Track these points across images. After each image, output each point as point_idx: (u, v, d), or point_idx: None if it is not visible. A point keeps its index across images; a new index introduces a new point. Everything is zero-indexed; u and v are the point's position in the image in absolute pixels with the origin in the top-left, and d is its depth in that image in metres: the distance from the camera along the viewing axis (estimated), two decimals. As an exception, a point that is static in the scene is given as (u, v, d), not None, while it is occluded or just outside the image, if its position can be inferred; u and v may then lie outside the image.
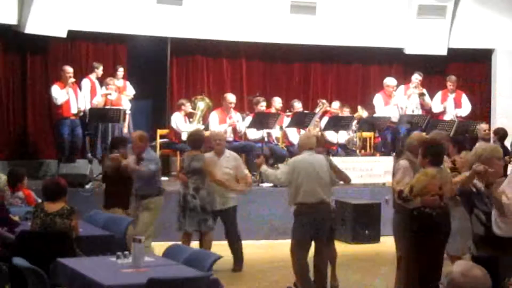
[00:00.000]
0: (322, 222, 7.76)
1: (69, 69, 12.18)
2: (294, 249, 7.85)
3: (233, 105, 12.64)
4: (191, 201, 8.83)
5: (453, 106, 13.92)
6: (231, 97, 12.69)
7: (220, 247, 9.03)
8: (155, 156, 9.37)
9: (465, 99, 14.07)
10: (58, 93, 12.03)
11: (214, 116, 12.60)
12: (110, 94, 12.38)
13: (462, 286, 3.18)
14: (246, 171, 9.46)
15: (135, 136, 9.13)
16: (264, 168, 8.15)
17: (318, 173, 7.79)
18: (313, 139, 8.27)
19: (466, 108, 14.00)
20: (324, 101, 13.70)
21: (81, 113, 12.33)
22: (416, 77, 13.77)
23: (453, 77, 14.09)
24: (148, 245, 8.34)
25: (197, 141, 9.14)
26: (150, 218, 8.96)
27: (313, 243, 7.87)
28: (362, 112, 13.78)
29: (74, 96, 12.20)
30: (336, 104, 13.70)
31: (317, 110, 13.42)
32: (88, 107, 12.45)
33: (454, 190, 6.67)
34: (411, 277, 6.96)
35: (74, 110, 12.19)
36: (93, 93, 12.62)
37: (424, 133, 8.16)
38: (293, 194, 7.83)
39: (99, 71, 12.83)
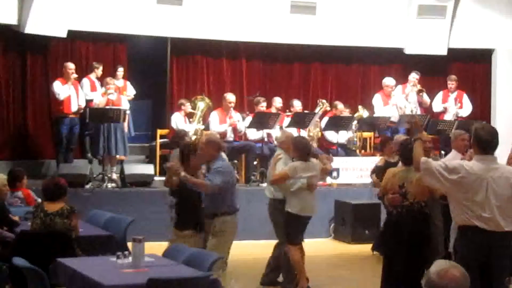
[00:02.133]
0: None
1: (70, 65, 12.21)
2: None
3: (233, 105, 12.63)
4: None
5: (454, 105, 13.90)
6: (231, 97, 12.68)
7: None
8: (225, 166, 7.52)
9: (466, 99, 14.05)
10: (60, 89, 12.04)
11: (214, 116, 12.60)
12: (112, 93, 12.39)
13: (439, 286, 3.14)
14: None
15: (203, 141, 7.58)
16: None
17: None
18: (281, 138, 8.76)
19: (467, 108, 13.98)
20: (324, 101, 13.70)
21: (81, 110, 12.33)
22: (413, 76, 13.78)
23: (453, 76, 14.09)
24: (219, 275, 6.70)
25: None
26: (216, 243, 7.26)
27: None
28: (363, 112, 13.79)
29: (75, 93, 12.22)
30: (340, 106, 13.66)
31: (317, 110, 13.43)
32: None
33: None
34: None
35: (74, 108, 12.20)
36: (93, 92, 12.64)
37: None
38: None
39: (99, 71, 12.84)
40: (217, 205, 7.19)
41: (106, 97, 12.17)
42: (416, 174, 6.76)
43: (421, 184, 6.70)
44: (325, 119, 13.19)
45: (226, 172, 7.26)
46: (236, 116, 12.67)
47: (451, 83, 13.98)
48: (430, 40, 14.67)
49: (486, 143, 5.52)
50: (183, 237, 7.01)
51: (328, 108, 13.60)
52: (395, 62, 15.14)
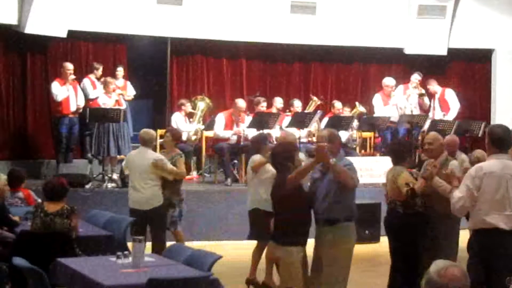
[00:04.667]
0: None
1: (69, 66, 12.21)
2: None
3: (243, 111, 12.45)
4: None
5: (439, 108, 13.57)
6: (242, 104, 12.38)
7: (220, 247, 9.04)
8: (352, 164, 6.59)
9: (451, 97, 13.67)
10: (58, 90, 12.04)
11: (220, 119, 12.31)
12: (122, 95, 12.42)
13: (439, 286, 3.13)
14: None
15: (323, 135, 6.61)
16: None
17: None
18: (292, 137, 8.41)
19: (454, 108, 13.60)
20: (314, 98, 13.71)
21: (80, 110, 12.33)
22: (416, 77, 13.70)
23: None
24: None
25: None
26: (337, 253, 6.29)
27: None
28: (359, 107, 13.79)
29: (74, 93, 12.21)
30: (337, 104, 13.65)
31: (308, 107, 13.46)
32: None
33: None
34: None
35: (73, 108, 12.20)
36: (95, 90, 12.65)
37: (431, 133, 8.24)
38: None
39: (99, 72, 12.85)
40: (339, 210, 6.29)
41: (116, 98, 12.16)
42: (389, 174, 6.93)
43: (392, 184, 6.84)
44: (325, 119, 13.18)
45: (355, 171, 6.45)
46: (243, 125, 12.31)
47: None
48: (430, 40, 14.67)
49: (502, 140, 5.60)
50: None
51: (318, 102, 13.58)
52: (395, 62, 15.15)
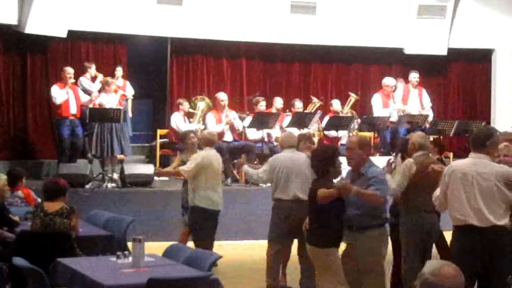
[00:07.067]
0: (296, 220, 7.45)
1: (69, 70, 12.18)
2: (268, 241, 8.04)
3: (225, 103, 12.56)
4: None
5: (418, 103, 13.59)
6: (222, 96, 12.62)
7: (220, 247, 9.04)
8: (382, 173, 6.56)
9: (425, 97, 13.74)
10: (58, 93, 12.02)
11: (210, 118, 12.51)
12: (123, 95, 12.42)
13: (438, 286, 3.13)
14: None
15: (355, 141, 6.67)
16: (246, 167, 8.31)
17: (297, 171, 7.74)
18: (294, 137, 8.38)
19: (427, 107, 13.68)
20: (315, 99, 13.70)
21: (84, 107, 12.31)
22: (414, 76, 13.71)
23: (413, 74, 13.70)
24: None
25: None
26: (376, 259, 6.29)
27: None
28: (355, 96, 13.76)
29: (74, 96, 12.20)
30: (334, 101, 13.63)
31: (309, 109, 13.47)
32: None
33: None
34: None
35: (73, 110, 12.18)
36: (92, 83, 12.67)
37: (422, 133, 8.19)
38: (273, 189, 8.05)
39: (92, 70, 12.83)
40: (371, 217, 6.26)
41: (118, 97, 12.16)
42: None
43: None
44: (326, 118, 13.18)
45: (385, 180, 6.43)
46: (231, 114, 12.60)
47: (413, 79, 13.64)
48: (430, 40, 14.66)
49: (474, 140, 5.78)
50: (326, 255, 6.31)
51: (318, 104, 13.56)
52: (395, 62, 15.14)
